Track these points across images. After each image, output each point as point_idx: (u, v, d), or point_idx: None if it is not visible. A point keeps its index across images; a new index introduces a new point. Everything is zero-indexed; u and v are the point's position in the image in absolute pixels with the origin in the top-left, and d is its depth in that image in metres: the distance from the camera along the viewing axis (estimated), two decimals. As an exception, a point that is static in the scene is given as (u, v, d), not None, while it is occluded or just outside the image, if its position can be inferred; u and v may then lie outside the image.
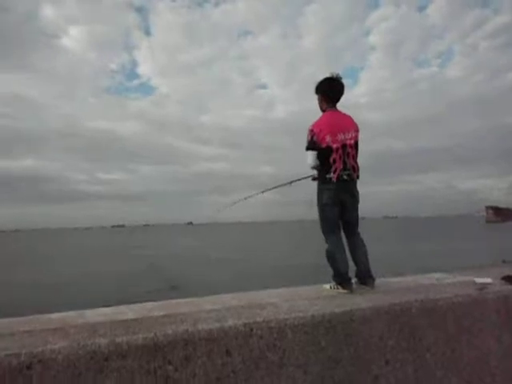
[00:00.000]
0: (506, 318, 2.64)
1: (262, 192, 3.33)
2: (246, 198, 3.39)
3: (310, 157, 3.04)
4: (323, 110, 3.18)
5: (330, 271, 3.02)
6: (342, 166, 2.96)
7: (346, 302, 2.49)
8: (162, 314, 2.28)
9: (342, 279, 2.95)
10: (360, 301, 2.51)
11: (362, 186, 3.11)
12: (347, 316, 2.25)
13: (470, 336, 2.46)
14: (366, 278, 3.05)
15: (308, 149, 3.05)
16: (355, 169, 3.01)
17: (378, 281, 3.12)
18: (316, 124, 3.06)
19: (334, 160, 2.96)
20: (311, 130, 3.04)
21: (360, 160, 3.09)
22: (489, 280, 3.04)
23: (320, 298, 2.68)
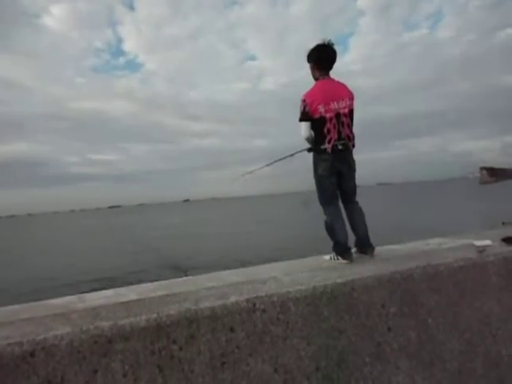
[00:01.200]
0: (506, 279, 2.66)
1: (267, 165, 3.30)
2: (251, 172, 3.37)
3: (304, 128, 2.99)
4: (316, 79, 3.10)
5: (330, 242, 3.02)
6: (336, 136, 2.91)
7: (346, 272, 2.49)
8: (163, 293, 2.28)
9: (341, 249, 2.95)
10: (361, 270, 2.51)
11: (354, 154, 3.06)
12: (349, 286, 2.25)
13: (471, 299, 2.48)
14: (365, 246, 3.06)
15: (301, 120, 2.99)
16: (350, 138, 2.97)
17: (378, 249, 3.13)
18: (308, 94, 2.99)
19: (328, 130, 2.91)
20: (303, 101, 2.97)
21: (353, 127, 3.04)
22: (488, 242, 3.05)
23: (321, 269, 2.68)
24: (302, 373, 1.92)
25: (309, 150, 3.09)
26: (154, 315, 1.84)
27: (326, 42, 3.02)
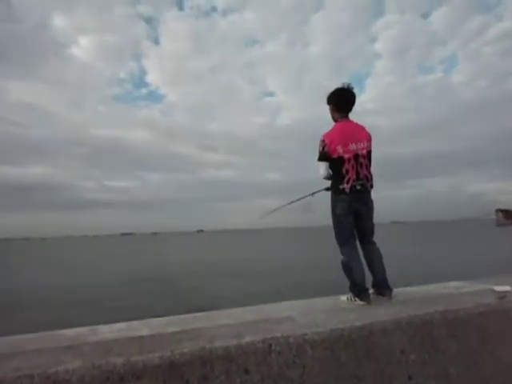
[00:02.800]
0: (529, 327, 2.56)
1: (289, 203, 3.38)
2: (276, 209, 3.48)
3: (322, 167, 3.05)
4: (335, 121, 3.15)
5: (346, 282, 2.96)
6: (354, 177, 2.95)
7: (364, 314, 2.43)
8: (176, 329, 2.24)
9: (359, 290, 2.89)
10: (379, 313, 2.45)
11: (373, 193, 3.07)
12: (367, 329, 2.19)
13: (493, 347, 2.39)
14: (383, 288, 3.00)
15: (320, 159, 3.04)
16: (368, 178, 2.99)
17: (395, 291, 3.06)
18: (327, 134, 3.04)
19: (347, 170, 2.95)
20: (322, 141, 3.03)
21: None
22: (508, 288, 2.96)
23: (338, 310, 2.62)
24: (318, 421, 1.84)
25: (327, 189, 3.11)
26: (168, 353, 1.81)
27: (346, 86, 3.07)
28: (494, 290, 2.97)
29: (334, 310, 2.62)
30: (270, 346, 1.96)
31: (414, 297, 2.99)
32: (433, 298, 2.90)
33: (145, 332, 2.22)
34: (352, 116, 3.13)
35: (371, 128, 3.21)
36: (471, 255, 23.23)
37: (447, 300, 2.75)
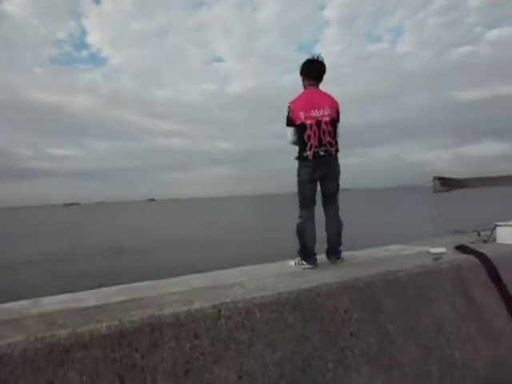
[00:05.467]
0: (458, 285, 2.79)
1: None
2: None
3: (289, 132, 3.13)
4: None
5: (296, 246, 3.06)
6: (317, 143, 3.00)
7: (312, 277, 2.53)
8: (125, 298, 2.20)
9: (307, 254, 3.00)
10: (326, 276, 2.55)
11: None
12: (314, 292, 2.28)
13: (427, 304, 2.58)
14: (330, 252, 3.12)
15: (287, 125, 3.13)
16: (332, 144, 3.04)
17: (342, 254, 3.19)
18: (293, 101, 3.13)
19: (309, 136, 3.01)
20: (289, 107, 3.12)
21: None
22: (443, 250, 3.19)
23: (287, 274, 2.70)
24: (266, 379, 1.92)
25: (296, 158, 3.15)
26: (116, 322, 1.78)
27: (315, 57, 3.17)
28: (430, 252, 3.19)
29: (283, 275, 2.69)
30: (220, 311, 1.99)
31: (359, 260, 3.15)
32: (375, 260, 3.07)
33: (91, 302, 2.17)
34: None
35: None
36: (410, 220, 24.79)
37: (388, 262, 2.93)
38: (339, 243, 3.16)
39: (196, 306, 1.98)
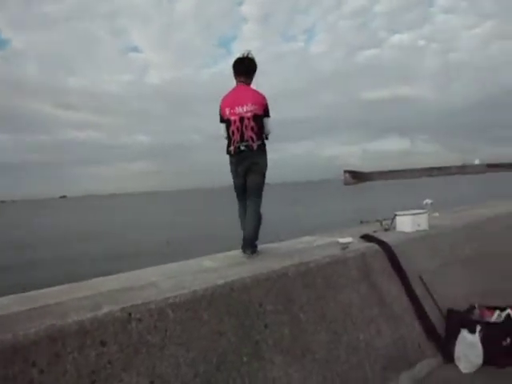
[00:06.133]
0: (363, 272, 2.99)
1: None
2: None
3: (222, 129, 3.28)
4: None
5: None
6: (239, 138, 3.13)
7: (228, 273, 2.52)
8: (22, 309, 2.00)
9: (242, 244, 3.19)
10: (241, 270, 2.57)
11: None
12: (228, 287, 2.28)
13: (336, 292, 2.73)
14: (245, 246, 3.16)
15: (220, 121, 3.29)
16: (253, 139, 3.14)
17: (258, 248, 3.25)
18: (222, 98, 3.29)
19: (233, 132, 3.16)
20: (219, 104, 3.28)
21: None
22: (350, 239, 3.39)
23: (203, 271, 2.66)
24: (180, 381, 1.87)
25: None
26: (9, 336, 1.60)
27: (245, 55, 3.29)
28: (338, 242, 3.37)
29: (200, 271, 2.65)
30: (130, 314, 1.90)
31: (274, 253, 3.22)
32: (289, 252, 3.16)
33: (-20, 315, 1.93)
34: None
35: None
36: (323, 212, 26.19)
37: (301, 254, 3.04)
38: (254, 237, 3.21)
39: (104, 310, 1.86)
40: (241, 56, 3.30)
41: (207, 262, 3.05)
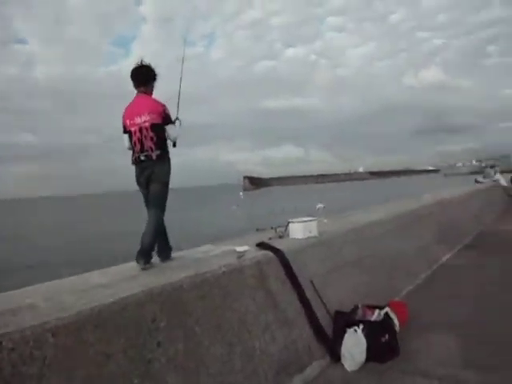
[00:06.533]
0: (259, 279, 3.06)
1: None
2: None
3: (125, 139, 3.29)
4: None
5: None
6: (139, 149, 3.17)
7: (117, 288, 2.37)
8: None
9: (137, 254, 3.03)
10: (132, 285, 2.44)
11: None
12: (117, 305, 2.14)
13: (232, 301, 2.75)
14: (140, 256, 3.03)
15: (123, 132, 3.29)
16: (153, 149, 3.15)
17: (155, 259, 3.14)
18: (124, 109, 3.28)
19: (134, 143, 3.20)
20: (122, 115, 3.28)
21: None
22: (246, 248, 3.45)
23: (91, 288, 2.46)
24: (60, 413, 1.70)
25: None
26: None
27: (139, 63, 3.27)
28: (235, 251, 3.40)
29: (86, 289, 2.45)
30: (1, 343, 1.67)
31: (171, 264, 3.13)
32: (186, 263, 3.10)
33: None
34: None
35: (132, 95, 3.29)
36: (222, 217, 26.43)
37: (198, 264, 3.00)
38: (149, 248, 3.08)
39: (-35, 343, 1.61)
40: (136, 65, 3.28)
41: (95, 277, 2.84)
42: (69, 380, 1.79)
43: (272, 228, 4.36)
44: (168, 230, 3.41)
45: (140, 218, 3.47)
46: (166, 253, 3.30)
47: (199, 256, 3.40)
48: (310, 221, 4.11)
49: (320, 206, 5.07)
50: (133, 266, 3.04)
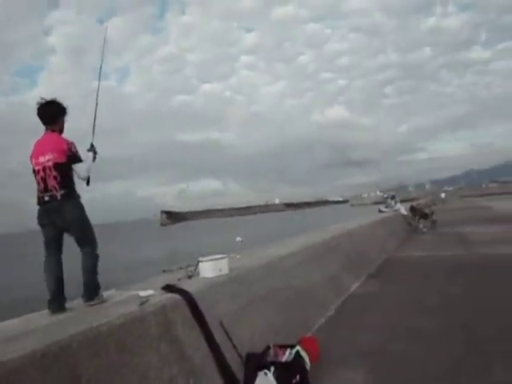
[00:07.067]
0: (163, 327, 2.82)
1: None
2: None
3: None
4: None
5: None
6: (43, 188, 3.09)
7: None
8: None
9: (48, 300, 3.03)
10: (14, 348, 2.07)
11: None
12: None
13: (132, 356, 2.47)
14: (53, 302, 3.04)
15: (33, 171, 3.18)
16: (57, 189, 3.08)
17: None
18: (33, 145, 3.22)
19: (38, 182, 3.13)
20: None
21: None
22: (151, 292, 3.21)
23: None
24: None
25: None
26: None
27: (42, 101, 3.19)
28: (139, 296, 3.14)
29: None
30: None
31: (63, 317, 2.78)
32: (80, 315, 2.78)
33: None
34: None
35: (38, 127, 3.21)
36: (134, 255, 25.03)
37: (93, 315, 2.70)
38: (90, 285, 3.17)
39: None
40: (41, 102, 3.21)
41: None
42: None
43: (181, 268, 4.17)
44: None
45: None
46: (92, 293, 3.17)
47: (95, 307, 3.07)
48: (221, 258, 4.00)
49: (239, 239, 5.03)
50: (16, 322, 2.64)
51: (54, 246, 3.15)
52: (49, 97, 3.24)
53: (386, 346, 3.91)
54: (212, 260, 3.91)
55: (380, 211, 17.25)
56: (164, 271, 4.31)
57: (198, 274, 3.95)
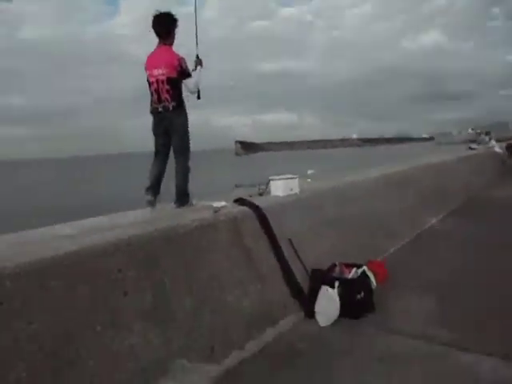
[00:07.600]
0: (234, 235, 3.00)
1: None
2: None
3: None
4: None
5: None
6: (156, 99, 3.34)
7: (84, 239, 2.32)
8: None
9: (146, 188, 3.46)
10: (100, 237, 2.37)
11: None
12: (81, 254, 2.08)
13: (205, 257, 2.69)
14: (175, 199, 3.54)
15: (147, 80, 3.42)
16: (169, 100, 3.32)
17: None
18: (147, 56, 3.44)
19: (152, 93, 3.38)
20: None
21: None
22: (224, 203, 3.38)
23: (57, 238, 2.40)
24: (20, 356, 1.67)
25: None
26: None
27: (158, 12, 3.36)
28: (212, 206, 3.32)
29: (52, 239, 2.39)
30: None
31: (141, 218, 3.08)
32: (157, 217, 3.04)
33: None
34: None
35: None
36: (210, 180, 26.19)
37: (171, 218, 2.93)
38: (181, 192, 3.50)
39: None
40: (155, 14, 3.35)
41: (67, 229, 2.77)
42: (28, 324, 1.75)
43: (252, 185, 4.28)
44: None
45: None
46: (183, 199, 3.51)
47: (175, 210, 3.33)
48: (292, 178, 4.03)
49: (310, 171, 5.00)
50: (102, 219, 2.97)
51: (162, 152, 3.50)
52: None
53: (456, 279, 3.79)
54: (284, 179, 3.95)
55: (470, 148, 15.83)
56: (236, 186, 4.48)
57: (269, 193, 4.03)
